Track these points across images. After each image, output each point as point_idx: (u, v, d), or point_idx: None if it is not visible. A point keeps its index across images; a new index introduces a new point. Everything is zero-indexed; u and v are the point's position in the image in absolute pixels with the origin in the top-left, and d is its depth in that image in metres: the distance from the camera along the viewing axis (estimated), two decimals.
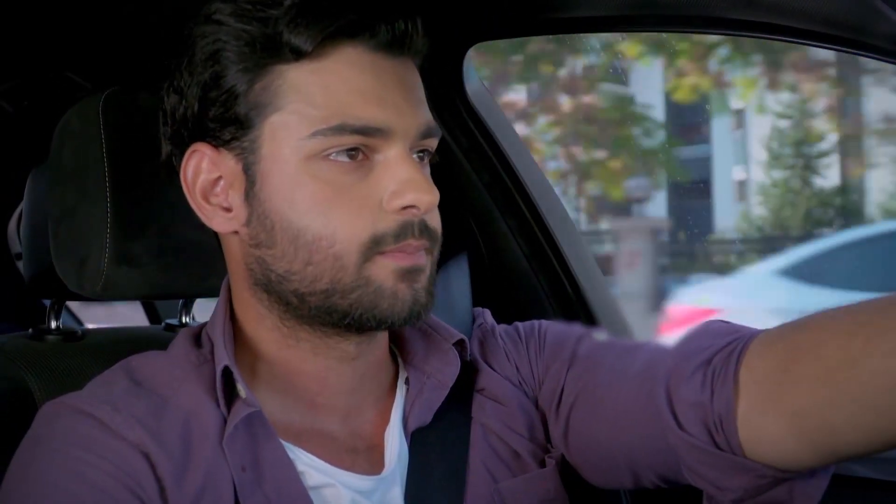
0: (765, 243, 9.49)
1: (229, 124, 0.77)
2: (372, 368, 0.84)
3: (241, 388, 0.77)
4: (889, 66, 0.97)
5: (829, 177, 9.47)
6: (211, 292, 0.94)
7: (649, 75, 7.10)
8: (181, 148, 0.80)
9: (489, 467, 0.86)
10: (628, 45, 4.85)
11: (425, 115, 0.80)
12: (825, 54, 6.38)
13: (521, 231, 1.31)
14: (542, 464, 0.88)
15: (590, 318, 1.30)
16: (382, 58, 0.78)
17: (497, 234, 1.32)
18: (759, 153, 10.14)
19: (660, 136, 7.74)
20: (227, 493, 0.75)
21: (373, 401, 0.85)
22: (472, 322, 0.96)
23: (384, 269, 0.76)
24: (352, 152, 0.76)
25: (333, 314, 0.77)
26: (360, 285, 0.76)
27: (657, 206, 9.15)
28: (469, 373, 0.89)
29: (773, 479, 0.75)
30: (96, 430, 0.74)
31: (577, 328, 0.93)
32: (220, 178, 0.79)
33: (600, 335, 0.91)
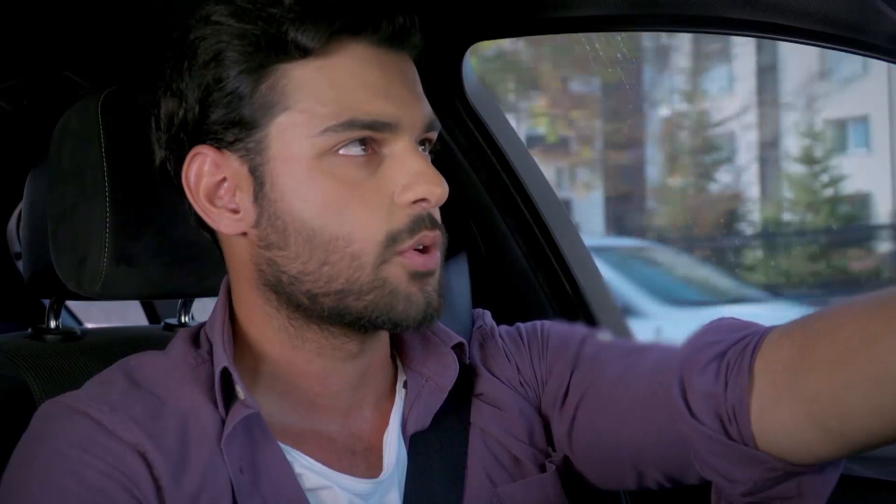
0: None
1: (233, 126, 0.77)
2: (373, 367, 0.84)
3: (240, 390, 0.77)
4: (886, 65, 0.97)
5: None
6: (210, 292, 0.94)
7: None
8: (181, 152, 0.79)
9: (488, 472, 0.86)
10: None
11: (428, 108, 0.80)
12: None
13: (521, 231, 1.31)
14: (543, 469, 0.88)
15: (589, 319, 1.29)
16: (385, 53, 0.78)
17: (496, 234, 1.32)
18: None
19: None
20: (225, 494, 0.75)
21: (372, 401, 0.85)
22: (471, 323, 0.96)
23: (399, 270, 0.76)
24: (363, 144, 0.76)
25: (346, 315, 0.77)
26: (377, 286, 0.76)
27: None
28: (468, 377, 0.89)
29: (784, 472, 0.74)
30: (93, 431, 0.74)
31: (580, 328, 0.92)
32: (224, 179, 0.79)
33: (604, 335, 0.91)
